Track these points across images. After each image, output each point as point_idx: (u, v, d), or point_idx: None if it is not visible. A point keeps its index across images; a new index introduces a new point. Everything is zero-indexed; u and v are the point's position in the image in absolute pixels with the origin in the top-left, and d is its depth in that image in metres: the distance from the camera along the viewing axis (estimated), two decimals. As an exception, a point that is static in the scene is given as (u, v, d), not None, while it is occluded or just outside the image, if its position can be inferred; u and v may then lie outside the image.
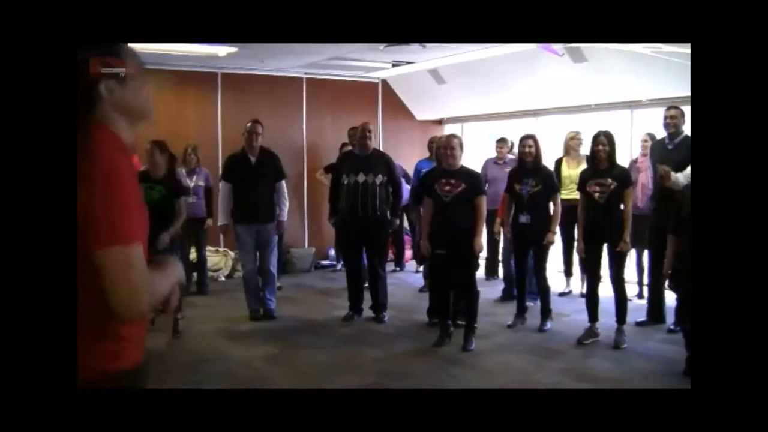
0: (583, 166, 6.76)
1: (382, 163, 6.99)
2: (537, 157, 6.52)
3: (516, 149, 7.45)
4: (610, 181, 5.92)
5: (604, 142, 5.96)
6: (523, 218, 6.49)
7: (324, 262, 10.32)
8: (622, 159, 7.02)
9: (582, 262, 6.45)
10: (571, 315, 6.83)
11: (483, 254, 7.96)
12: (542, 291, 6.62)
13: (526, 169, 6.53)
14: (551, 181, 6.60)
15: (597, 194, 5.96)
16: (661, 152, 6.34)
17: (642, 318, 6.66)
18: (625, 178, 6.02)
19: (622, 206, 5.99)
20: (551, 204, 6.57)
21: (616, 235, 5.93)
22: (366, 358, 5.77)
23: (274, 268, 7.13)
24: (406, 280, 9.18)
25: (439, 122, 11.51)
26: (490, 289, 8.08)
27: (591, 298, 6.18)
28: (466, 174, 5.98)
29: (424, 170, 7.82)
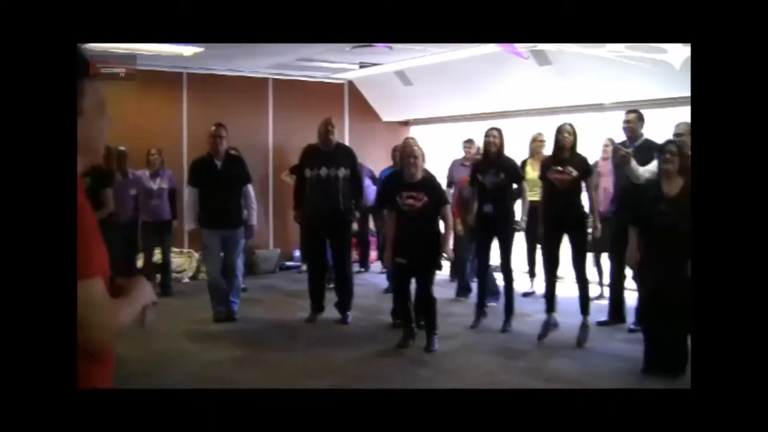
0: None
1: (345, 156, 7.02)
2: (501, 148, 6.61)
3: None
4: (570, 168, 6.03)
5: (569, 130, 6.11)
6: (487, 207, 6.54)
7: (289, 263, 10.30)
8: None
9: (542, 249, 6.53)
10: (534, 315, 6.89)
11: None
12: (507, 281, 6.66)
13: (490, 159, 6.60)
14: (515, 172, 6.70)
15: (558, 182, 6.06)
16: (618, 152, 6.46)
17: (603, 318, 6.76)
18: (585, 166, 6.15)
19: (584, 195, 6.14)
20: (519, 192, 6.69)
21: (577, 224, 6.07)
22: (332, 360, 5.78)
23: (239, 272, 7.11)
24: (371, 281, 9.20)
25: (406, 124, 11.54)
26: (453, 290, 8.15)
27: (549, 286, 6.28)
28: (429, 186, 5.99)
29: None
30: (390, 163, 8.78)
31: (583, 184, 6.19)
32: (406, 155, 6.10)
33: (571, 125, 6.17)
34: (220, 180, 6.83)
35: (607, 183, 7.28)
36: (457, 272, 8.50)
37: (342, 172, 6.85)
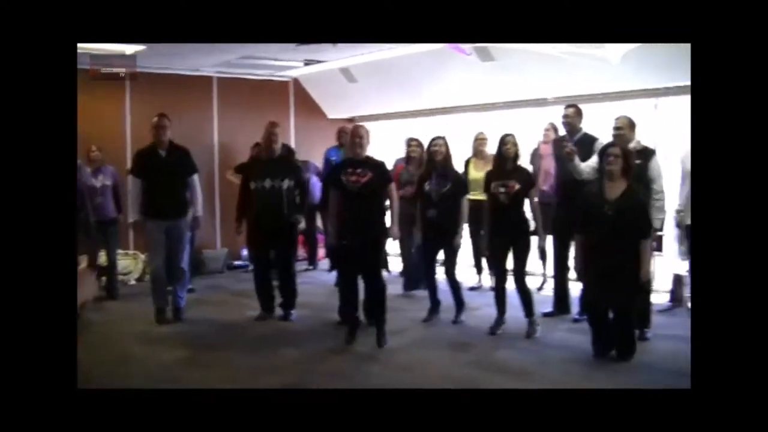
0: (490, 167, 6.92)
1: (289, 167, 7.02)
2: (446, 157, 6.66)
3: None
4: (513, 182, 6.12)
5: (512, 141, 6.19)
6: (431, 213, 6.59)
7: (237, 263, 10.24)
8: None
9: (488, 260, 6.64)
10: (481, 308, 6.98)
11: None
12: (453, 288, 6.76)
13: (436, 169, 6.65)
14: (460, 184, 6.74)
15: (501, 196, 6.14)
16: (563, 150, 6.59)
17: (548, 309, 6.89)
18: (527, 180, 6.26)
19: (527, 205, 6.25)
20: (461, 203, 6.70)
21: (520, 236, 6.19)
22: (281, 359, 5.77)
23: (185, 265, 7.02)
24: (319, 278, 9.19)
25: (351, 121, 11.54)
26: (400, 286, 8.22)
27: (499, 294, 6.37)
28: (373, 164, 6.04)
29: (332, 158, 8.51)
30: (336, 143, 8.94)
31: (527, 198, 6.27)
32: (352, 136, 6.13)
33: (513, 136, 6.24)
34: (165, 170, 6.75)
35: (547, 165, 7.39)
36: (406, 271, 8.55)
37: (286, 183, 6.83)
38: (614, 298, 5.37)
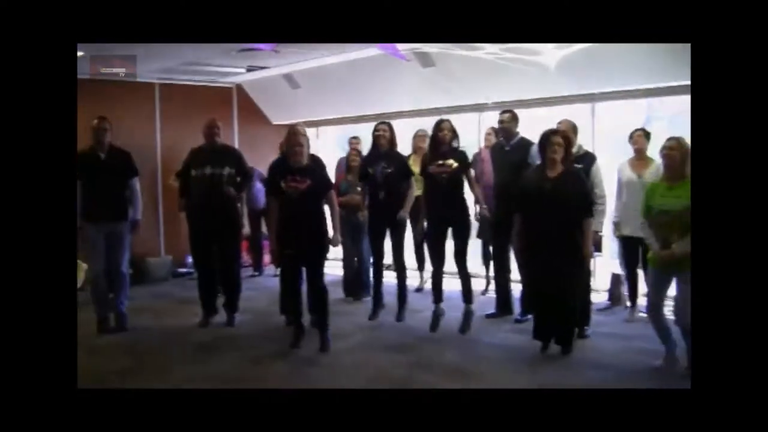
0: None
1: (230, 155, 7.04)
2: (391, 141, 6.71)
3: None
4: (450, 161, 6.16)
5: (448, 127, 6.23)
6: (380, 195, 6.60)
7: (182, 270, 10.13)
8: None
9: (428, 245, 6.66)
10: (425, 311, 7.04)
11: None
12: (399, 273, 6.75)
13: (380, 153, 6.68)
14: (404, 165, 6.75)
15: (438, 175, 6.17)
16: (499, 154, 6.71)
17: (491, 311, 6.99)
18: (464, 158, 6.28)
19: (466, 186, 6.30)
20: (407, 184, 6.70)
21: (459, 217, 6.22)
22: (223, 364, 5.75)
23: (126, 269, 6.94)
24: (265, 284, 9.17)
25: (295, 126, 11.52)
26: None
27: (436, 278, 6.42)
28: (312, 170, 6.00)
29: None
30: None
31: (465, 177, 6.30)
32: (290, 145, 6.06)
33: (449, 122, 6.28)
34: (104, 172, 6.66)
35: (489, 168, 7.49)
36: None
37: (227, 170, 6.84)
38: (554, 279, 5.42)
